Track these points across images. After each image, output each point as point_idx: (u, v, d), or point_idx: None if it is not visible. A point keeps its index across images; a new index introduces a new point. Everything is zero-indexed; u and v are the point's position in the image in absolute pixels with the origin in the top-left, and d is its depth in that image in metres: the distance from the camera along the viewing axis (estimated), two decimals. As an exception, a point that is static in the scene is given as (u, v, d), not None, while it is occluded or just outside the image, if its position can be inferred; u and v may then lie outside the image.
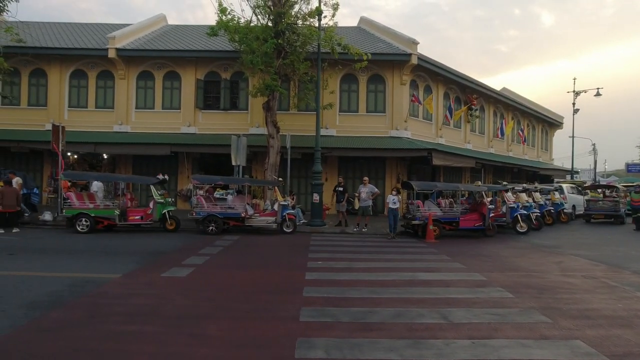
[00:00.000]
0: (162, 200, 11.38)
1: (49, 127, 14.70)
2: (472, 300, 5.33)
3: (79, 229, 10.60)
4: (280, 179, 13.27)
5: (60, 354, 3.48)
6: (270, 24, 13.38)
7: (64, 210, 11.09)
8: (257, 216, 11.72)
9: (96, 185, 12.19)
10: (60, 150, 12.54)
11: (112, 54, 16.80)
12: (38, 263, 7.17)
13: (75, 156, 17.61)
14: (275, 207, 11.69)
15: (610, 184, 20.99)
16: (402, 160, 18.06)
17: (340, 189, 13.00)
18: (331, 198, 13.62)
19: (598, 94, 28.78)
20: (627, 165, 51.04)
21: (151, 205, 11.38)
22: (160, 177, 12.86)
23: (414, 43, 17.55)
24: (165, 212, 11.24)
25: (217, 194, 13.65)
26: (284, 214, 11.54)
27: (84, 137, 15.89)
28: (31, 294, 5.11)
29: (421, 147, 16.23)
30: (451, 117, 20.35)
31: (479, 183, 17.92)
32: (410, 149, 16.29)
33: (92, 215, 10.75)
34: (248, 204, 11.85)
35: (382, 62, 17.57)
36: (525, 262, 8.10)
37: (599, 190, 18.92)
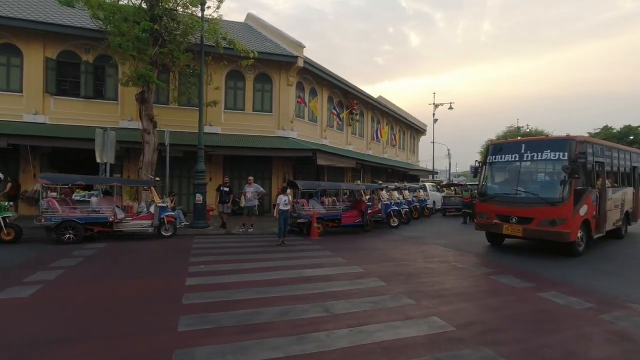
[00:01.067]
0: (-4, 205, 9.12)
1: None
2: (351, 292, 5.69)
3: None
4: (157, 178, 12.04)
5: None
6: (144, 5, 12.00)
7: None
8: (130, 220, 10.40)
9: None
10: None
11: None
12: None
13: None
14: (152, 209, 10.57)
15: (460, 183, 25.21)
16: (288, 160, 18.40)
17: (226, 189, 12.47)
18: (215, 198, 12.93)
19: (451, 107, 34.33)
20: (471, 167, 62.06)
21: (-22, 211, 9.02)
22: (-6, 176, 10.25)
23: (301, 46, 18.07)
24: (0, 219, 9.05)
25: (76, 196, 11.65)
26: (162, 216, 10.53)
27: None
28: None
29: (306, 148, 16.78)
30: (340, 119, 21.63)
31: (359, 182, 19.46)
32: (296, 149, 16.69)
33: None
34: (118, 206, 10.43)
35: (270, 62, 17.59)
36: (397, 252, 9.08)
37: (452, 188, 22.53)
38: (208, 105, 13.99)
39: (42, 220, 9.17)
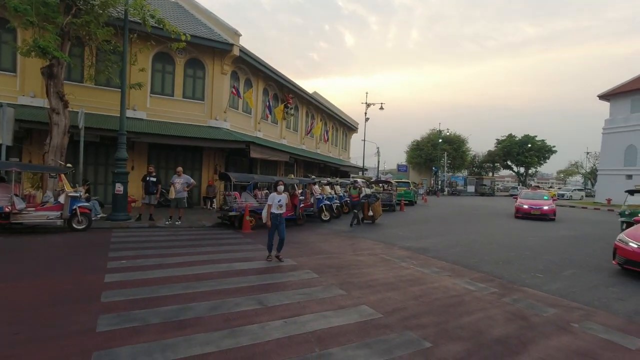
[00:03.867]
0: None
1: None
2: (284, 284, 5.72)
3: None
4: (68, 165, 10.75)
5: None
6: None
7: None
8: (32, 211, 9.15)
9: None
10: None
11: None
12: None
13: None
14: (61, 199, 9.43)
15: (387, 180, 26.65)
16: (221, 151, 17.75)
17: (153, 179, 11.61)
18: (142, 189, 11.97)
19: (382, 108, 36.02)
20: (398, 165, 66.24)
21: None
22: None
23: (237, 34, 17.46)
24: None
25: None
26: (74, 207, 9.45)
27: None
28: None
29: (240, 140, 16.33)
30: (271, 113, 21.38)
31: (292, 176, 19.53)
32: (229, 140, 16.14)
33: None
34: (16, 195, 9.10)
35: (203, 47, 16.72)
36: (328, 246, 9.32)
37: (380, 184, 23.73)
38: (132, 88, 12.84)
39: None
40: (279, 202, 7.19)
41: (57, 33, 10.44)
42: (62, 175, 9.67)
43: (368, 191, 19.34)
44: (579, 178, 75.43)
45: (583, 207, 29.25)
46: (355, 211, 13.72)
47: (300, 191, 13.47)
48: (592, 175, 61.78)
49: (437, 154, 54.49)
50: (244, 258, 7.41)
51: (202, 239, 9.50)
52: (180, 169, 11.94)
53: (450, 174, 58.09)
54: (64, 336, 3.61)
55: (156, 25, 12.29)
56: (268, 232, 7.31)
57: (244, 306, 4.63)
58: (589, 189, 55.98)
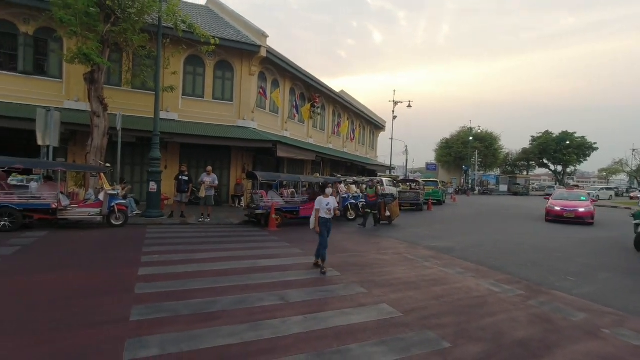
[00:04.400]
0: None
1: None
2: (306, 281, 5.87)
3: None
4: (107, 164, 11.44)
5: None
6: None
7: None
8: (75, 207, 9.82)
9: None
10: None
11: None
12: None
13: None
14: (101, 196, 10.05)
15: (415, 179, 26.30)
16: (248, 150, 18.19)
17: (185, 178, 12.13)
18: (174, 187, 12.54)
19: (409, 106, 35.54)
20: (427, 164, 65.08)
21: None
22: None
23: (264, 36, 17.80)
24: None
25: (13, 180, 10.78)
26: (113, 204, 10.05)
27: None
28: None
29: (267, 139, 16.68)
30: (298, 112, 21.64)
31: (318, 175, 19.69)
32: (256, 139, 16.53)
33: None
34: (62, 192, 9.80)
35: (231, 50, 17.18)
36: (352, 244, 9.39)
37: (407, 183, 23.47)
38: (165, 90, 13.44)
39: (-27, 206, 8.43)
40: (327, 205, 6.56)
41: (98, 40, 11.12)
42: (102, 175, 10.30)
43: (393, 190, 19.13)
44: (623, 177, 70.92)
45: (614, 207, 27.66)
46: (368, 211, 13.09)
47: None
48: (638, 174, 57.91)
49: (468, 152, 52.97)
50: (269, 255, 7.62)
51: (230, 236, 9.83)
52: (210, 168, 12.41)
53: (482, 172, 56.33)
54: (101, 323, 3.92)
55: (187, 29, 12.80)
56: (320, 238, 6.59)
57: (267, 301, 4.81)
58: (635, 188, 52.51)
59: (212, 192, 12.06)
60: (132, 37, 11.69)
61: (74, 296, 4.72)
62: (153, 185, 11.96)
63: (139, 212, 11.95)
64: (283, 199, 12.61)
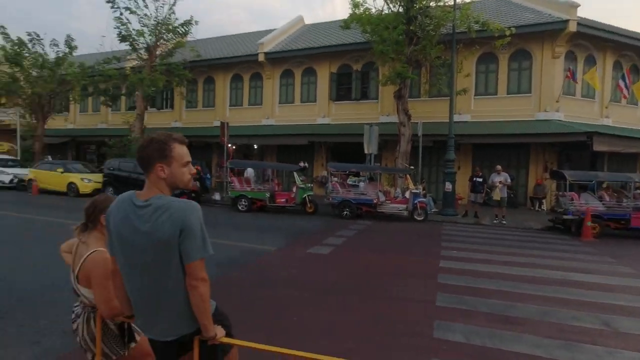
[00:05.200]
0: (303, 186, 12.82)
1: (216, 124, 18.05)
2: (642, 310, 4.64)
3: (239, 207, 12.85)
4: (411, 167, 13.33)
5: (246, 301, 4.56)
6: (401, 10, 13.32)
7: (229, 192, 13.56)
8: (388, 203, 12.11)
9: (249, 172, 14.45)
10: (226, 142, 15.28)
11: (261, 57, 19.34)
12: (215, 233, 9.11)
13: (234, 147, 21.01)
14: (407, 194, 11.87)
15: None
16: (551, 146, 15.80)
17: (480, 179, 12.29)
18: (467, 188, 13.00)
19: None
20: None
21: (294, 190, 12.94)
22: (302, 165, 14.45)
23: (573, 6, 14.93)
24: (305, 197, 12.64)
25: (349, 181, 14.57)
26: (415, 201, 11.63)
27: (240, 130, 18.78)
28: (215, 257, 6.61)
29: (578, 131, 13.89)
30: (628, 91, 16.56)
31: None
32: (563, 133, 14.13)
33: (249, 197, 12.87)
34: (380, 191, 12.32)
35: (529, 35, 15.52)
36: None
37: None
38: (458, 94, 14.05)
39: (330, 199, 12.16)
40: None
41: (404, 61, 13.21)
42: (408, 175, 12.15)
43: None
44: None
45: None
46: None
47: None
48: None
49: None
50: (582, 269, 6.51)
51: (529, 241, 9.08)
52: (499, 167, 11.93)
53: None
54: (412, 301, 4.81)
55: (480, 28, 12.83)
56: None
57: (584, 322, 4.23)
58: None
59: (506, 193, 11.51)
60: (429, 51, 13.08)
61: (392, 274, 6.01)
62: (448, 186, 12.80)
63: (436, 210, 13.13)
64: (603, 204, 10.21)
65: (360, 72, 18.37)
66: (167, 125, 21.88)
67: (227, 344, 1.79)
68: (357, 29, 14.72)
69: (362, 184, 12.96)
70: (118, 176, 15.03)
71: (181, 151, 1.68)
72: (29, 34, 19.45)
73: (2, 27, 18.90)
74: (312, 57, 19.05)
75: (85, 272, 1.91)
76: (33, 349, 3.29)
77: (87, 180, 15.56)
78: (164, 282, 1.62)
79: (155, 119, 21.87)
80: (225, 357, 1.87)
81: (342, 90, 18.95)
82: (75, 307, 2.10)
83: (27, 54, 19.41)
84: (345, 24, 13.91)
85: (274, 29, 22.05)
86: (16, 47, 19.09)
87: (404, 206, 11.79)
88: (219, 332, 1.71)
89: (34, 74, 19.57)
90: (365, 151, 13.37)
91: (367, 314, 4.37)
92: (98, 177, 15.86)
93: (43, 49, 19.80)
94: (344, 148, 18.28)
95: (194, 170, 1.78)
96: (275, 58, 19.61)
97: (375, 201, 11.80)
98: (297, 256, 7.07)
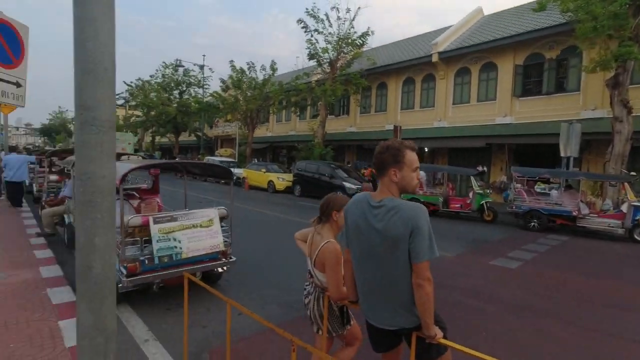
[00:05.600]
0: (481, 192, 11.85)
1: (388, 127, 18.60)
2: None
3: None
4: (632, 173, 10.52)
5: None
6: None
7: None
8: (595, 217, 9.91)
9: (421, 175, 14.24)
10: (398, 146, 15.58)
11: (435, 58, 18.81)
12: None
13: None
14: (623, 207, 9.46)
15: None
16: None
17: None
18: None
19: None
20: None
21: (470, 195, 12.10)
22: (479, 169, 13.34)
23: None
24: (483, 203, 11.65)
25: (538, 188, 12.62)
26: (638, 217, 9.14)
27: (411, 134, 18.73)
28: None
29: None
30: None
31: None
32: None
33: (421, 200, 12.74)
34: (581, 201, 10.24)
35: None
36: None
37: None
38: None
39: (513, 208, 10.84)
40: None
41: (628, 38, 10.38)
42: (626, 184, 9.65)
43: None
44: None
45: None
46: None
47: None
48: None
49: None
50: None
51: None
52: None
53: None
54: (629, 339, 3.85)
55: None
56: None
57: None
58: None
59: None
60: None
61: (603, 303, 4.93)
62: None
63: (672, 230, 9.95)
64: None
65: (555, 60, 15.56)
66: (343, 130, 23.90)
67: (444, 345, 1.84)
68: (553, 9, 12.54)
69: (554, 192, 11.00)
70: (304, 176, 17.37)
71: (412, 157, 1.84)
72: (248, 64, 24.99)
73: (232, 61, 24.94)
74: (493, 50, 17.29)
75: (320, 259, 2.36)
76: (259, 313, 4.25)
77: (281, 179, 18.59)
78: (391, 275, 1.83)
79: (334, 125, 24.18)
80: (439, 358, 1.92)
81: (529, 84, 16.52)
82: (307, 285, 2.61)
83: (244, 79, 24.80)
84: (539, 6, 11.98)
85: (449, 26, 21.10)
86: (239, 75, 24.68)
87: (619, 222, 9.40)
88: (438, 332, 1.81)
89: (249, 94, 24.79)
90: (562, 154, 11.28)
91: (572, 345, 3.77)
92: (289, 177, 18.72)
93: (255, 74, 24.94)
94: (527, 150, 15.94)
95: (420, 176, 1.94)
96: (450, 57, 18.72)
97: (575, 213, 9.85)
98: (479, 266, 6.64)
